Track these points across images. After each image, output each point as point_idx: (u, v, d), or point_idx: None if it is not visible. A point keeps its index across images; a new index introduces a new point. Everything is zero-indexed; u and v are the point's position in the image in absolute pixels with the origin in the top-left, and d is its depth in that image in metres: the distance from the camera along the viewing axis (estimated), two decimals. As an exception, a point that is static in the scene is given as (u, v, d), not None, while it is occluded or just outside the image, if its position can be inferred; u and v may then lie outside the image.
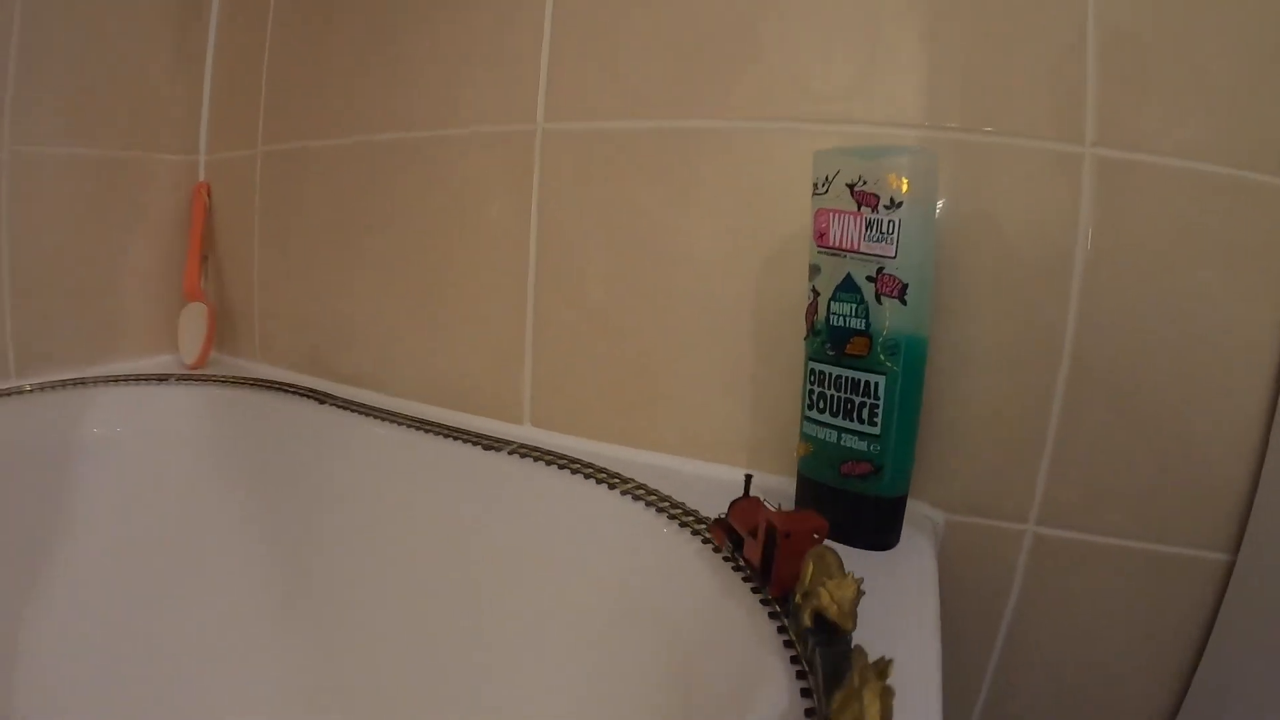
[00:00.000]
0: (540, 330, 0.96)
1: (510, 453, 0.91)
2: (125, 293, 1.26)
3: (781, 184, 0.82)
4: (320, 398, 1.09)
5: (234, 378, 1.18)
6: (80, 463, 1.04)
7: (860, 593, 0.51)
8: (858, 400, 0.71)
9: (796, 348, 0.77)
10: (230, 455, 1.11)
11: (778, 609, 0.58)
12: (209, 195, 1.33)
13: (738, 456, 0.89)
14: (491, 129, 0.96)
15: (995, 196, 0.76)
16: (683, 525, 0.73)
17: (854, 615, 0.51)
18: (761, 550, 0.62)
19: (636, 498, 0.78)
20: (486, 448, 0.92)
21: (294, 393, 1.11)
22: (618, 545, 0.78)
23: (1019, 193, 0.75)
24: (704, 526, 0.72)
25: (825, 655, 0.50)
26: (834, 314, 0.71)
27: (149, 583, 1.00)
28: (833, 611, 0.51)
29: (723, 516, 0.69)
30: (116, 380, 1.13)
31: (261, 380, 1.17)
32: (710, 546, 0.69)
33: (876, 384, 0.70)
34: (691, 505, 0.76)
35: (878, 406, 0.70)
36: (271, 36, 1.21)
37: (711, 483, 0.82)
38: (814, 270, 0.74)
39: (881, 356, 0.70)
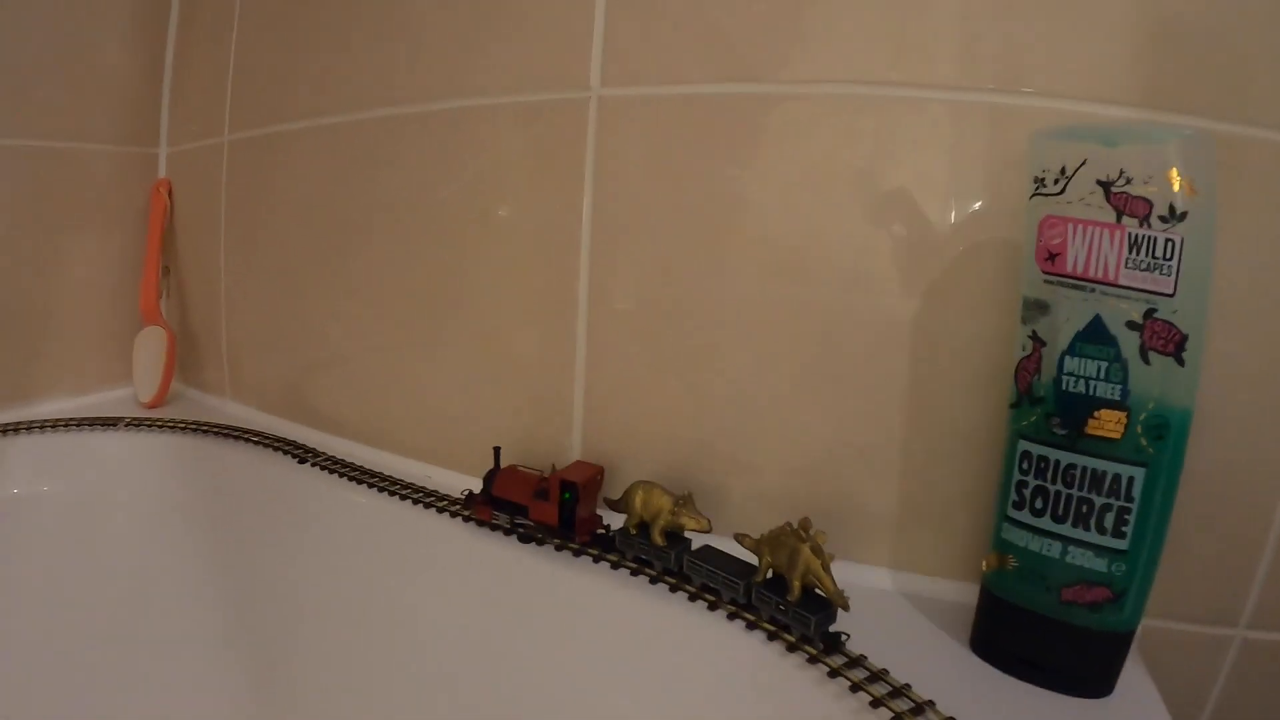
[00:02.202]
0: (596, 366, 0.78)
1: (557, 548, 0.72)
2: (68, 314, 1.09)
3: (955, 177, 0.64)
4: (301, 454, 0.92)
5: (197, 423, 1.01)
6: None
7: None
8: (1099, 501, 0.52)
9: (976, 411, 0.64)
10: (187, 525, 0.94)
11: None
12: (170, 195, 1.15)
13: (875, 551, 0.69)
14: (521, 99, 0.80)
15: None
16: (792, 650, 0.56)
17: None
18: (559, 509, 0.68)
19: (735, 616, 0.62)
20: (524, 538, 0.73)
21: (270, 446, 0.95)
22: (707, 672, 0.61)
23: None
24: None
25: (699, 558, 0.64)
26: (1069, 375, 0.52)
27: (79, 684, 0.86)
28: (702, 525, 0.65)
29: (475, 493, 0.74)
30: (54, 425, 0.97)
31: (230, 428, 1.00)
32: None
33: (1132, 480, 0.51)
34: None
35: (1129, 511, 0.51)
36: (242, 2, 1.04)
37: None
38: (1035, 307, 0.54)
39: (1143, 440, 0.51)
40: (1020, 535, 0.56)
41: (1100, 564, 0.53)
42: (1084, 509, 0.53)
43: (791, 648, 0.57)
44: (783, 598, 0.58)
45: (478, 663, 0.72)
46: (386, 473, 0.87)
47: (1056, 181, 0.52)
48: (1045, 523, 0.54)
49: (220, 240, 1.08)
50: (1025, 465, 0.55)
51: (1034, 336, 0.55)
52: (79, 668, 0.87)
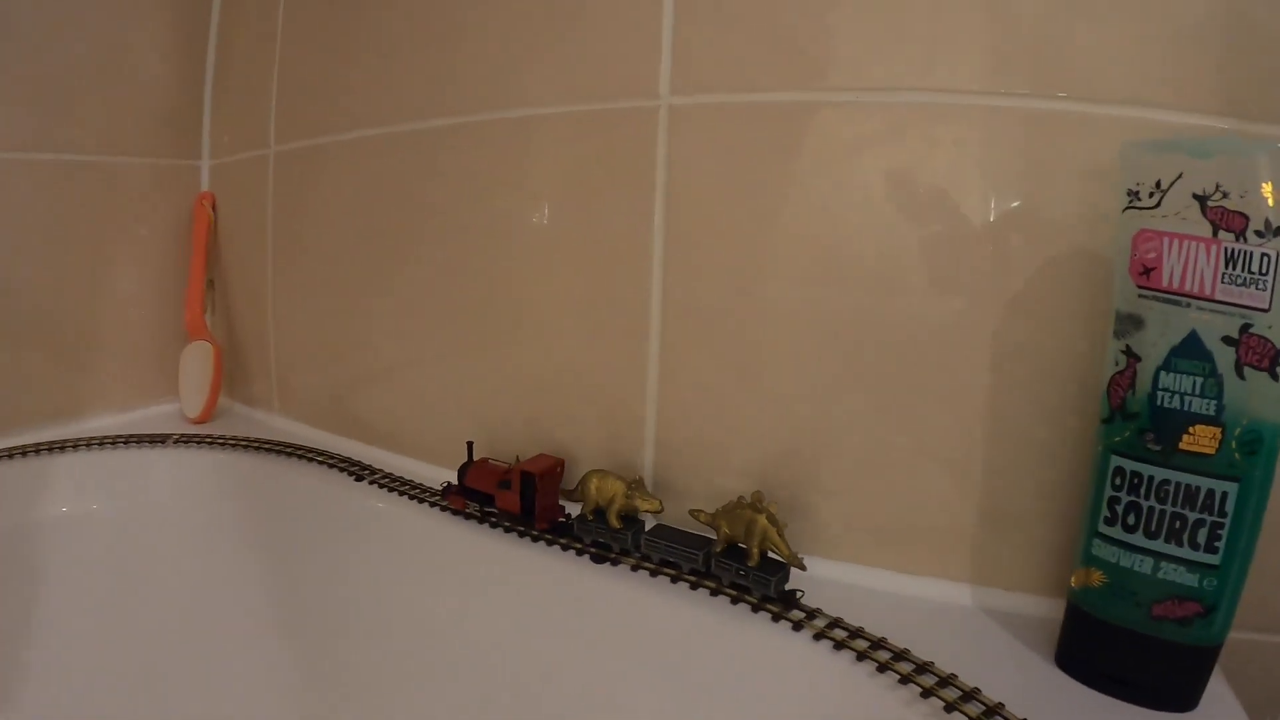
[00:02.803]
0: (669, 378, 0.75)
1: (633, 567, 0.71)
2: (113, 330, 1.08)
3: (1035, 187, 0.63)
4: (357, 471, 0.90)
5: (246, 439, 1.00)
6: (40, 551, 0.87)
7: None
8: (1192, 517, 0.51)
9: (1056, 425, 0.62)
10: (237, 543, 0.93)
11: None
12: (214, 208, 1.14)
13: (954, 566, 0.67)
14: (586, 107, 0.78)
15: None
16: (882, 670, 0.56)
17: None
18: (520, 496, 0.73)
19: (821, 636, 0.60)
20: (597, 559, 0.72)
21: (323, 463, 0.93)
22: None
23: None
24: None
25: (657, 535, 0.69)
26: (1164, 390, 0.51)
27: (128, 706, 0.85)
28: (654, 506, 0.70)
29: (452, 484, 0.80)
30: (102, 443, 0.96)
31: (281, 444, 0.99)
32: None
33: (1225, 495, 0.50)
34: (897, 641, 0.58)
35: (1222, 526, 0.50)
36: (285, 11, 1.03)
37: (915, 606, 0.65)
38: (1129, 322, 0.53)
39: (1237, 455, 0.49)
40: (1111, 551, 0.55)
41: (1192, 579, 0.52)
42: (1177, 524, 0.52)
43: (861, 657, 0.57)
44: (742, 564, 0.64)
45: (539, 684, 0.71)
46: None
47: (1151, 195, 0.52)
48: (1137, 539, 0.53)
49: (267, 253, 1.07)
50: (1118, 481, 0.54)
51: (1128, 351, 0.53)
52: (128, 686, 0.86)
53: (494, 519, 0.78)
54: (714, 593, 0.65)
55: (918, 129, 0.64)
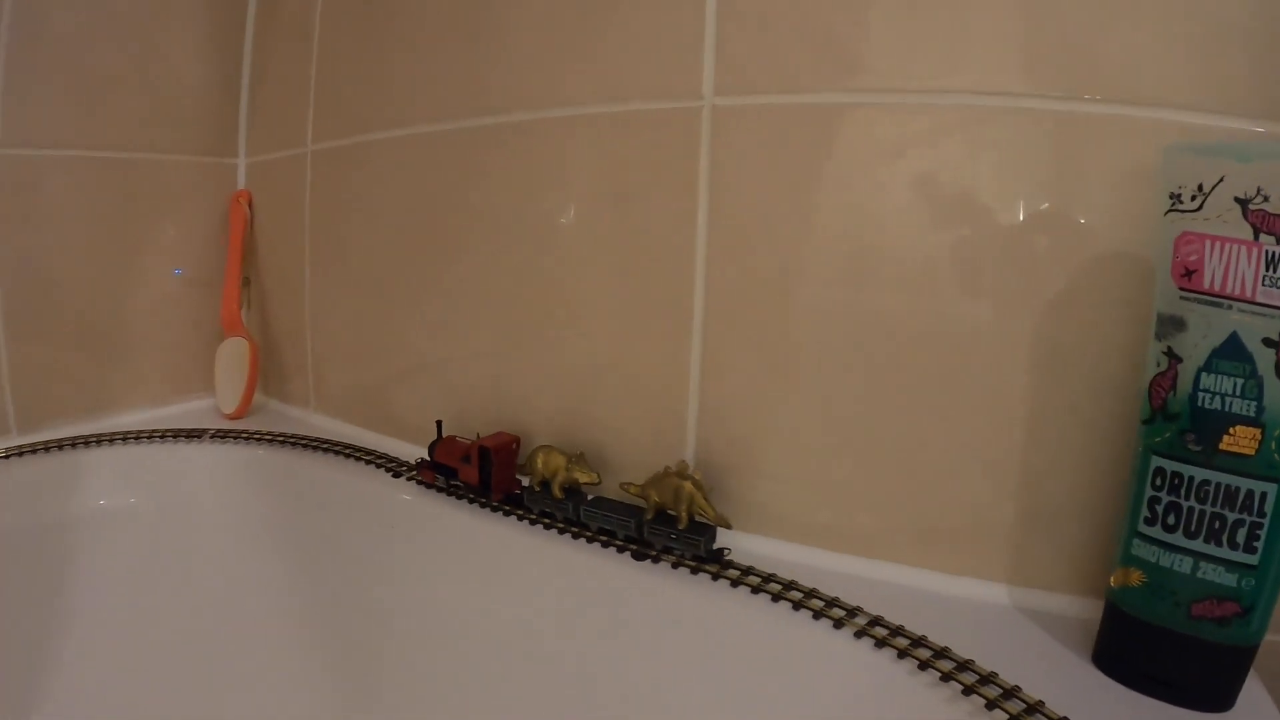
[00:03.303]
0: (712, 375, 0.75)
1: (674, 564, 0.71)
2: (149, 326, 1.09)
3: (1073, 188, 0.62)
4: (395, 468, 0.91)
5: (283, 435, 1.00)
6: (77, 543, 0.88)
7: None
8: (1231, 517, 0.51)
9: (1095, 426, 0.62)
10: (274, 537, 0.94)
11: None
12: (250, 206, 1.15)
13: (992, 566, 0.67)
14: (629, 107, 0.78)
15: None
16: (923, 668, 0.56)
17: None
18: (478, 470, 0.80)
19: (861, 634, 0.60)
20: (638, 556, 0.72)
21: (360, 459, 0.94)
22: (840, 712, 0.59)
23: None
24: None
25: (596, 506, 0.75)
26: (1205, 391, 0.52)
27: (165, 699, 0.86)
28: (593, 478, 0.76)
29: (425, 459, 0.86)
30: (139, 437, 0.97)
31: (318, 440, 0.99)
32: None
33: (1264, 495, 0.50)
34: (936, 639, 0.59)
35: (1260, 526, 0.50)
36: (322, 10, 1.03)
37: (953, 605, 0.65)
38: (1170, 323, 0.53)
39: (1276, 456, 0.50)
40: (1150, 551, 0.55)
41: (1230, 579, 0.52)
42: (1216, 525, 0.52)
43: (901, 654, 0.57)
44: (672, 528, 0.69)
45: (579, 682, 0.72)
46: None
47: (1194, 198, 0.52)
48: (1177, 538, 0.53)
49: (304, 251, 1.07)
50: (1158, 481, 0.54)
51: (1169, 353, 0.54)
52: (164, 678, 0.87)
53: (459, 491, 0.83)
54: (642, 557, 0.71)
55: (961, 130, 0.64)
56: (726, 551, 0.70)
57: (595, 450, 0.82)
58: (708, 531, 0.69)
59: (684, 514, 0.69)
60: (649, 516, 0.72)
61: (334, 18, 1.02)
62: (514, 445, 0.82)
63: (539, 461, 0.77)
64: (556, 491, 0.76)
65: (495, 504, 0.81)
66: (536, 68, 0.83)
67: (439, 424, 0.87)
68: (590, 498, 0.77)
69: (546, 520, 0.77)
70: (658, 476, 0.72)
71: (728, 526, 0.69)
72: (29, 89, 0.94)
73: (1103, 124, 0.60)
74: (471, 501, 0.82)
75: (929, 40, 0.65)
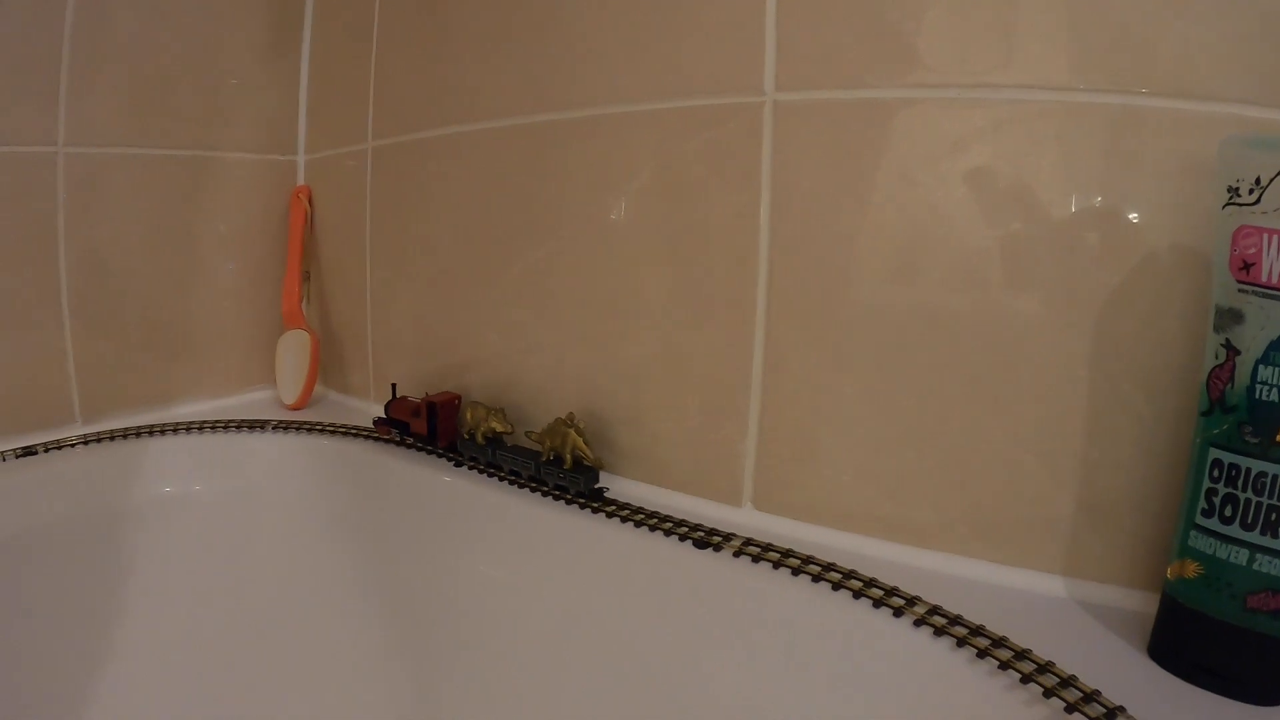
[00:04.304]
0: (774, 369, 0.76)
1: (735, 553, 0.71)
2: (210, 319, 1.12)
3: (1129, 182, 0.62)
4: (456, 458, 0.92)
5: (345, 426, 1.02)
6: (144, 529, 0.90)
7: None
8: None
9: (1151, 418, 0.62)
10: (337, 526, 0.95)
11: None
12: (310, 201, 1.17)
13: (1047, 558, 0.67)
14: (691, 103, 0.78)
15: None
16: (981, 656, 0.56)
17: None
18: (426, 422, 0.92)
19: (921, 622, 0.60)
20: (700, 544, 0.72)
21: (421, 449, 0.95)
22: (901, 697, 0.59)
23: None
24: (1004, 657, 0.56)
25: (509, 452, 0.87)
26: (1262, 383, 0.51)
27: (230, 686, 0.88)
28: (507, 428, 0.87)
29: (381, 417, 0.97)
30: (202, 426, 0.98)
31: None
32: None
33: None
34: (995, 630, 0.58)
35: None
36: (380, 7, 1.05)
37: (1010, 596, 0.65)
38: (1229, 316, 0.53)
39: None
40: (1207, 543, 0.55)
41: (1289, 571, 0.51)
42: (1273, 517, 0.52)
43: (960, 643, 0.57)
44: (561, 469, 0.81)
45: (653, 673, 0.72)
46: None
47: (1251, 191, 0.51)
48: (1234, 530, 0.53)
49: (365, 245, 1.09)
50: (1216, 473, 0.54)
51: (1227, 345, 0.53)
52: (227, 666, 0.89)
53: (411, 441, 0.96)
54: (544, 493, 0.82)
55: (1014, 125, 0.64)
56: (606, 490, 0.82)
57: (653, 439, 0.84)
58: (589, 472, 0.80)
59: (569, 456, 0.81)
60: (545, 459, 0.83)
61: (393, 16, 1.04)
62: (455, 402, 0.94)
63: (468, 414, 0.89)
64: (479, 439, 0.88)
65: (441, 451, 0.94)
66: (598, 64, 0.84)
67: (394, 386, 0.99)
68: (510, 445, 0.88)
69: (472, 463, 0.90)
70: (551, 426, 0.83)
71: (601, 468, 0.82)
72: (92, 89, 0.96)
73: (1157, 118, 0.60)
74: (420, 449, 0.95)
75: (983, 34, 0.65)
